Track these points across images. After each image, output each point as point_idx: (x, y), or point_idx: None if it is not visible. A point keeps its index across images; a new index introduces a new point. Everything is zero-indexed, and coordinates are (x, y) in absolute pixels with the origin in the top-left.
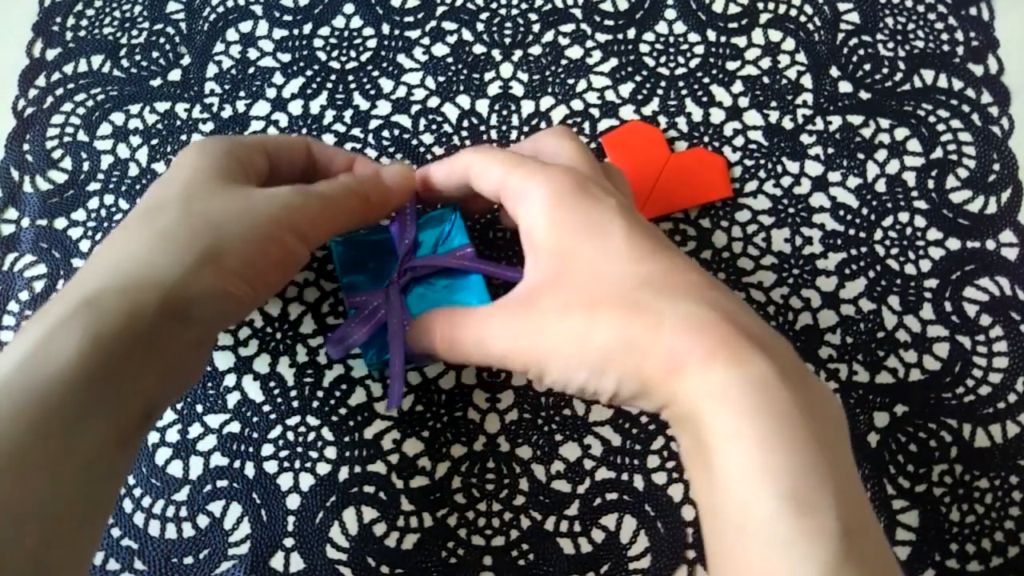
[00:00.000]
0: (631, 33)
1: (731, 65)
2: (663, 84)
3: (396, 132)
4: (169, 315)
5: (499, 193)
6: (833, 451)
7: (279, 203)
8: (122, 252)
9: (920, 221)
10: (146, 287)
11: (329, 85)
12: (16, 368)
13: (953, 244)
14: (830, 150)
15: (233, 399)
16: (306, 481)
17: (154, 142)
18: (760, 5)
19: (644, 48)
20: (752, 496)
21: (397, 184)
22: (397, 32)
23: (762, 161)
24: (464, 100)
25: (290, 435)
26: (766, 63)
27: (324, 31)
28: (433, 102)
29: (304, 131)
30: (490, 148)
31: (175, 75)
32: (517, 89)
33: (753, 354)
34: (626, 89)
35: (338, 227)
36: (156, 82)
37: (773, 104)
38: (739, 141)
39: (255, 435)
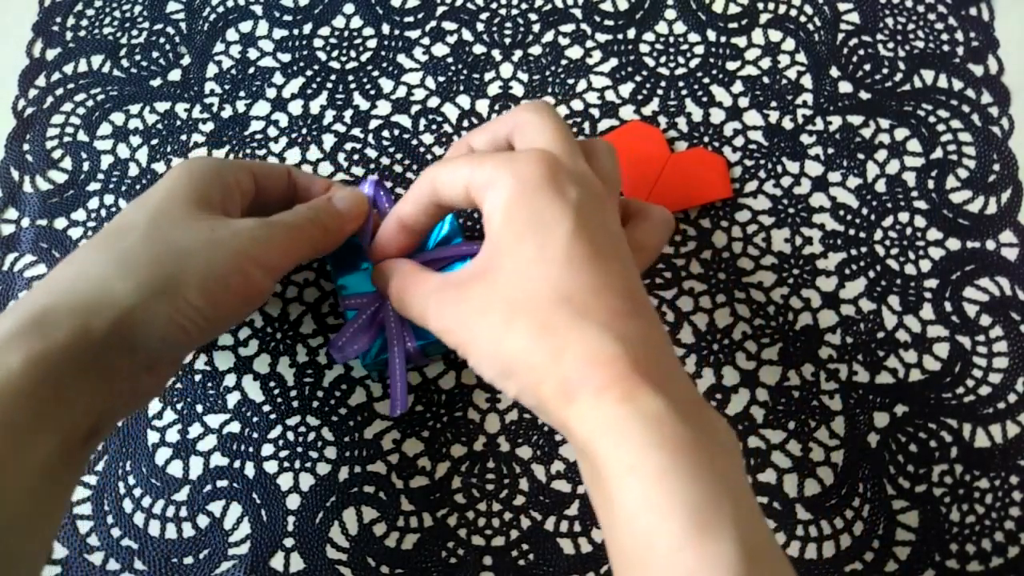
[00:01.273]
0: (631, 33)
1: (731, 65)
2: (663, 84)
3: (396, 132)
4: (118, 340)
5: (468, 194)
6: (729, 480)
7: (245, 237)
8: (79, 271)
9: (920, 221)
10: (97, 309)
11: (329, 85)
12: None
13: (953, 244)
14: (830, 150)
15: (233, 399)
16: (306, 481)
17: (154, 142)
18: (760, 5)
19: (644, 48)
20: (653, 528)
21: (348, 210)
22: (397, 32)
23: (762, 161)
24: (464, 100)
25: (290, 435)
26: (766, 63)
27: (324, 31)
28: (433, 102)
29: (304, 131)
30: (453, 152)
31: (175, 75)
32: (517, 89)
33: (646, 390)
34: (626, 89)
35: (300, 258)
36: (156, 82)
37: (773, 104)
38: (739, 141)
39: (255, 435)
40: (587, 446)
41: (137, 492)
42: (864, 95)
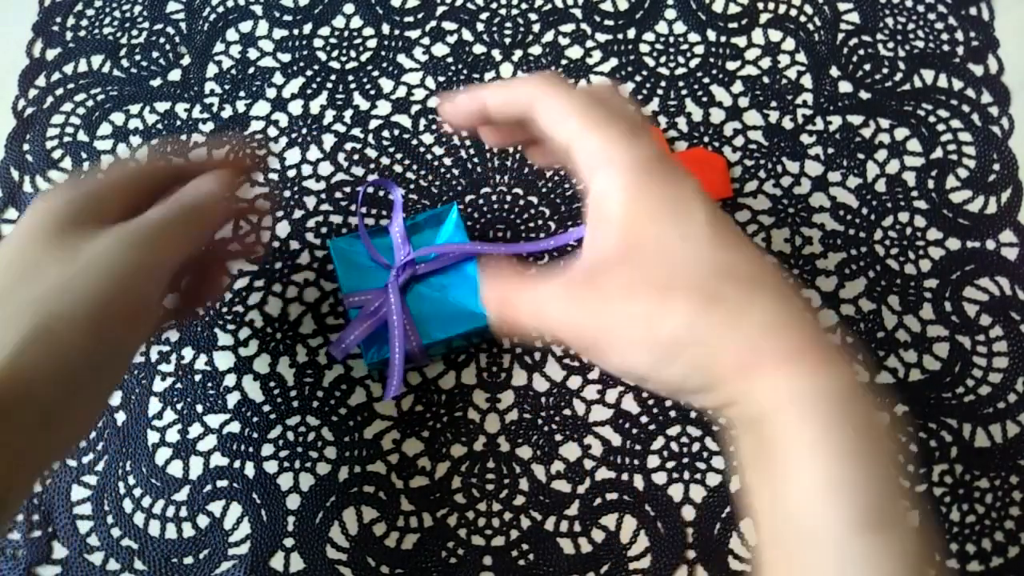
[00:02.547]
0: (631, 33)
1: (731, 65)
2: (663, 84)
3: (396, 132)
4: (1, 408)
5: (569, 147)
6: (895, 465)
7: (112, 248)
8: None
9: (920, 221)
10: None
11: (329, 85)
12: None
13: (953, 244)
14: (830, 150)
15: (233, 399)
16: (306, 481)
17: (154, 142)
18: (760, 5)
19: (644, 48)
20: (827, 510)
21: (216, 185)
22: (397, 32)
23: (762, 161)
24: None
25: (290, 435)
26: (766, 63)
27: (324, 31)
28: (433, 102)
29: (304, 131)
30: (559, 82)
31: (175, 75)
32: None
33: (835, 363)
34: (626, 89)
35: (184, 251)
36: (156, 82)
37: (773, 104)
38: (739, 141)
39: (255, 435)
40: (762, 418)
41: (137, 492)
42: (864, 95)
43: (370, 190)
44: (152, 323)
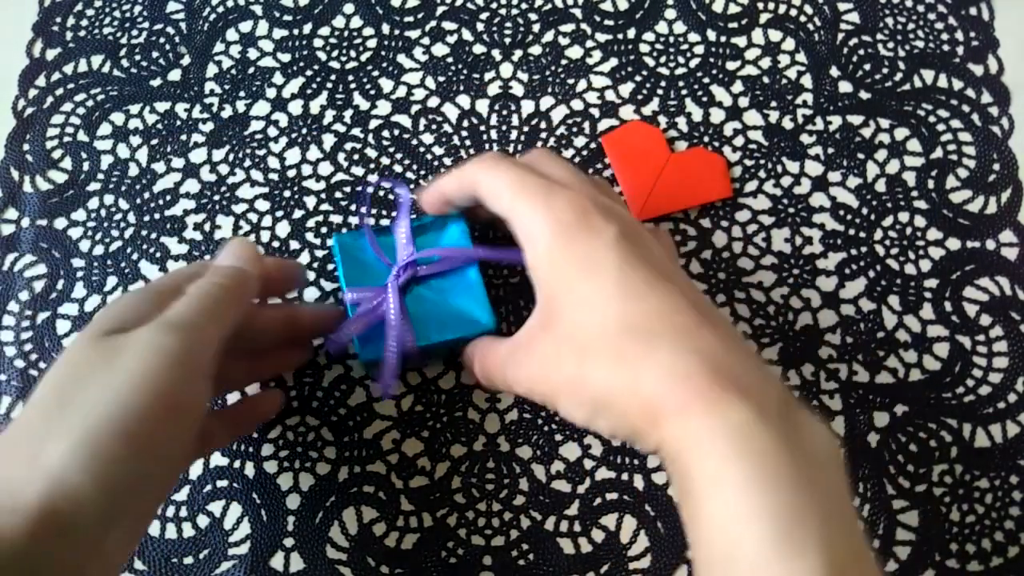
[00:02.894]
0: (631, 33)
1: (731, 65)
2: (663, 84)
3: (396, 132)
4: (49, 534)
5: (507, 218)
6: (819, 490)
7: (145, 352)
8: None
9: (920, 221)
10: (14, 509)
11: (329, 85)
12: None
13: (953, 244)
14: (830, 150)
15: (233, 399)
16: (306, 481)
17: (154, 142)
18: (760, 5)
19: (644, 48)
20: (737, 541)
21: (238, 259)
22: (397, 32)
23: (762, 161)
24: (464, 100)
25: (290, 435)
26: (766, 63)
27: (324, 31)
28: (433, 102)
29: (304, 131)
30: (496, 162)
31: (175, 75)
32: (517, 89)
33: (730, 401)
34: (626, 89)
35: (217, 338)
36: (156, 82)
37: (773, 104)
38: (739, 141)
39: (255, 435)
40: (676, 462)
41: None
42: (864, 95)
43: (370, 190)
44: (196, 419)
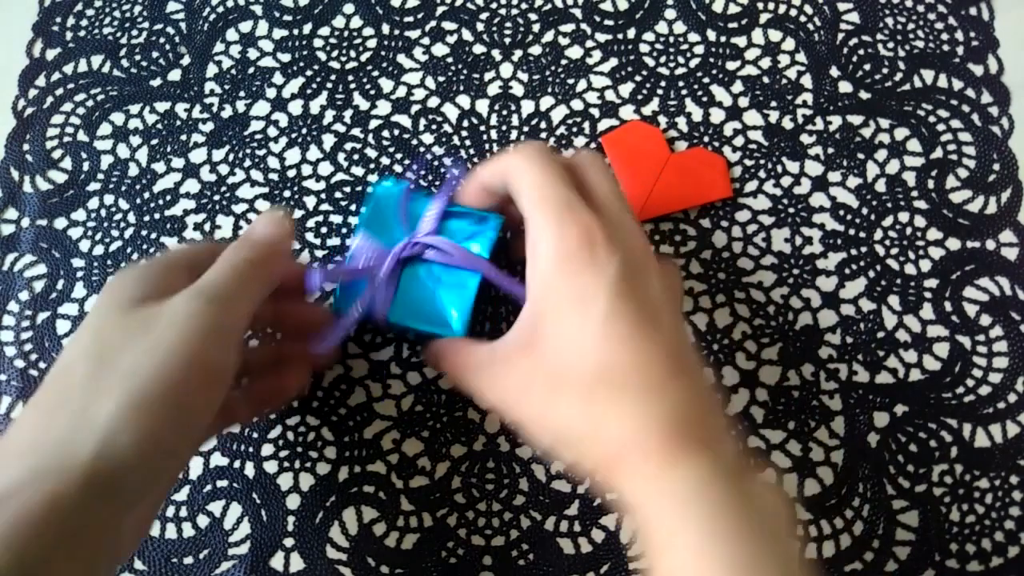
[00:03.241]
0: (631, 33)
1: (731, 65)
2: (663, 84)
3: (396, 132)
4: (96, 496)
5: (524, 218)
6: (775, 545)
7: (182, 318)
8: (38, 429)
9: (920, 221)
10: (64, 472)
11: (329, 85)
12: None
13: (953, 244)
14: (830, 150)
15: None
16: (306, 481)
17: (154, 142)
18: (760, 5)
19: (644, 48)
20: None
21: (270, 228)
22: (397, 32)
23: (762, 161)
24: (464, 100)
25: (290, 435)
26: (766, 63)
27: (324, 31)
28: (433, 102)
29: (304, 131)
30: (534, 157)
31: (175, 75)
32: (517, 89)
33: (687, 459)
34: (626, 89)
35: (248, 308)
36: (156, 82)
37: (773, 104)
38: (739, 141)
39: (255, 435)
40: (635, 513)
41: None
42: (864, 95)
43: (429, 157)
44: (225, 388)
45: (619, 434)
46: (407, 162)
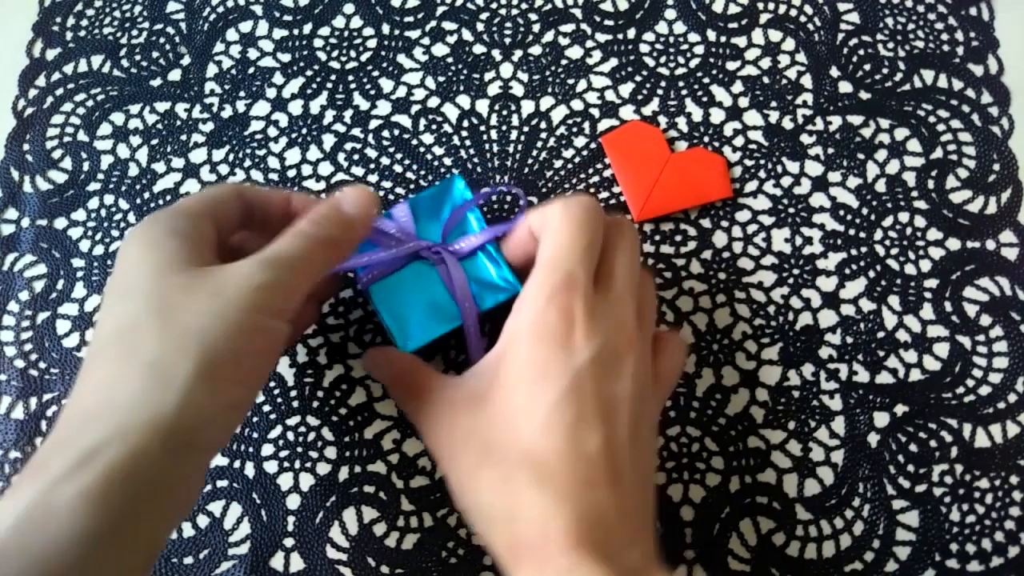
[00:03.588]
0: (631, 33)
1: (731, 65)
2: (663, 84)
3: (396, 132)
4: (175, 451)
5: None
6: None
7: (251, 286)
8: (113, 390)
9: (920, 221)
10: (147, 429)
11: (329, 85)
12: (13, 530)
13: (953, 244)
14: (830, 150)
15: None
16: (306, 481)
17: (154, 142)
18: (760, 5)
19: (644, 48)
20: None
21: (360, 211)
22: (397, 32)
23: (762, 161)
24: (464, 100)
25: (290, 435)
26: (766, 63)
27: (324, 31)
28: (433, 102)
29: (304, 131)
30: (573, 213)
31: (175, 75)
32: (517, 89)
33: (587, 566)
34: (626, 89)
35: (311, 284)
36: (156, 82)
37: (773, 104)
38: (739, 141)
39: (255, 435)
40: None
41: None
42: (864, 95)
43: (503, 190)
44: (279, 356)
45: (527, 527)
46: (487, 189)
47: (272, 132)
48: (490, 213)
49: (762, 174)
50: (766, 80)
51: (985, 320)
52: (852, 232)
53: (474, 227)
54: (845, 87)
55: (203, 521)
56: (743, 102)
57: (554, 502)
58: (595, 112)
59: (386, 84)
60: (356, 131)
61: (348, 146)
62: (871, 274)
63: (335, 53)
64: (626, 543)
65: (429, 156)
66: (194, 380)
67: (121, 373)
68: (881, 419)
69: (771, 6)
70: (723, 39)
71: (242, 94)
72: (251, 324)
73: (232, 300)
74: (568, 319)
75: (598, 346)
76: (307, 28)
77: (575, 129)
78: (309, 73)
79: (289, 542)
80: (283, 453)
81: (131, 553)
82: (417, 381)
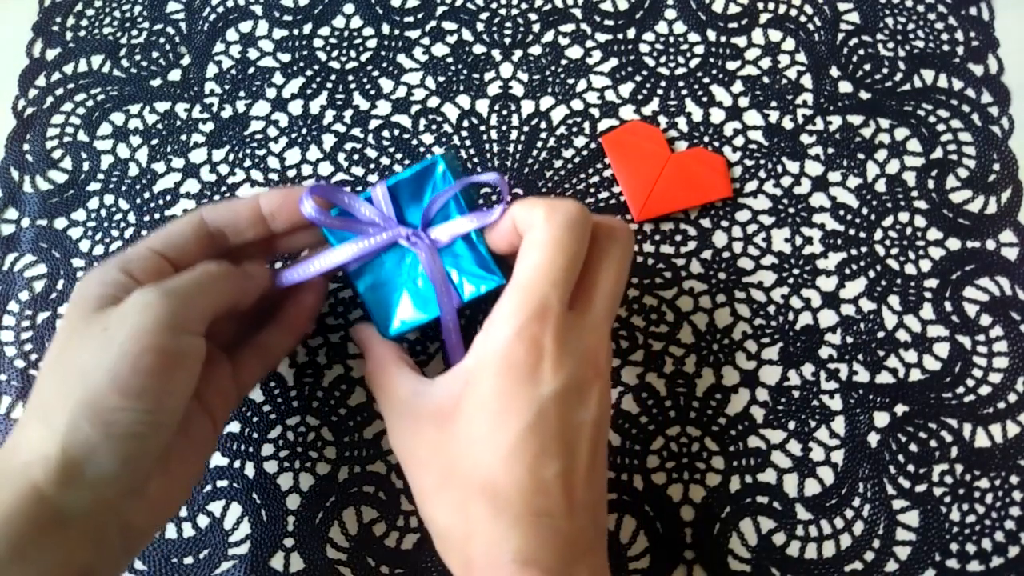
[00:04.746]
0: (631, 33)
1: (731, 65)
2: (663, 84)
3: (396, 132)
4: (66, 484)
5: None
6: None
7: (134, 311)
8: (19, 429)
9: (920, 221)
10: (35, 463)
11: (329, 85)
12: None
13: (953, 244)
14: (830, 150)
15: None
16: (306, 481)
17: (154, 142)
18: (760, 5)
19: (644, 48)
20: None
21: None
22: (397, 32)
23: (762, 161)
24: (464, 100)
25: (290, 435)
26: (766, 63)
27: (324, 31)
28: (433, 102)
29: (304, 131)
30: (561, 225)
31: (175, 75)
32: (517, 89)
33: None
34: (626, 89)
35: (220, 303)
36: (156, 82)
37: (773, 104)
38: (739, 141)
39: (255, 435)
40: None
41: None
42: (864, 95)
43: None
44: (191, 371)
45: (480, 549)
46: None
47: (272, 132)
48: (478, 197)
49: (762, 174)
50: (766, 80)
51: (985, 320)
52: (852, 232)
53: (456, 213)
54: (845, 87)
55: (203, 521)
56: (743, 102)
57: (507, 528)
58: (595, 112)
59: (386, 84)
60: (356, 131)
61: (348, 146)
62: (871, 274)
63: (335, 53)
64: (575, 561)
65: (429, 156)
66: (75, 412)
67: (24, 425)
68: (881, 419)
69: (771, 6)
70: (723, 39)
71: (242, 94)
72: (135, 347)
73: (116, 329)
74: (537, 351)
75: (565, 377)
76: (307, 28)
77: (575, 129)
78: (309, 73)
79: (289, 542)
80: (283, 453)
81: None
82: (388, 381)
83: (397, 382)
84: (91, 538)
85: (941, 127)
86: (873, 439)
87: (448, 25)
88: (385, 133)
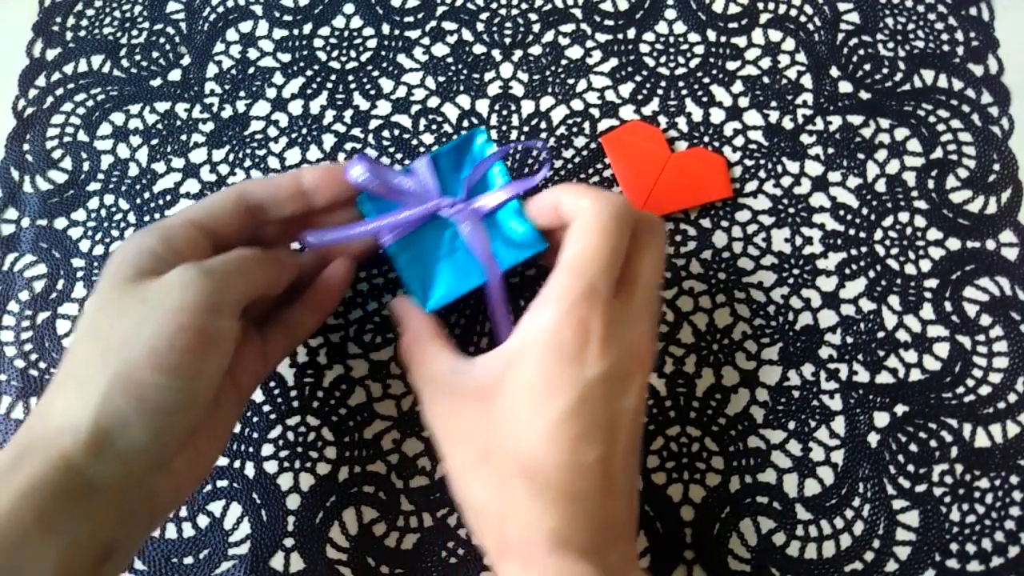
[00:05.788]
0: (631, 33)
1: (731, 65)
2: (663, 84)
3: (396, 132)
4: (95, 453)
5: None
6: None
7: (175, 289)
8: (51, 396)
9: (920, 221)
10: (66, 432)
11: (329, 85)
12: None
13: (953, 244)
14: (830, 150)
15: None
16: (306, 481)
17: (154, 142)
18: (760, 5)
19: (644, 48)
20: None
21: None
22: (397, 32)
23: (762, 161)
24: (464, 100)
25: (290, 435)
26: (766, 63)
27: (324, 31)
28: (433, 102)
29: (304, 131)
30: (609, 215)
31: (175, 75)
32: (517, 89)
33: (571, 562)
34: (626, 89)
35: (255, 287)
36: (156, 82)
37: (773, 104)
38: (739, 141)
39: (255, 435)
40: None
41: None
42: (864, 95)
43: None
44: (225, 351)
45: (516, 528)
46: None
47: (272, 132)
48: (516, 164)
49: (762, 174)
50: (766, 80)
51: (985, 320)
52: (852, 232)
53: (497, 182)
54: (845, 87)
55: (203, 521)
56: (743, 102)
57: (545, 508)
58: (595, 112)
59: (386, 84)
60: (356, 131)
61: (348, 146)
62: (871, 274)
63: (335, 53)
64: (609, 546)
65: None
66: (110, 384)
67: (54, 394)
68: (881, 419)
69: (771, 6)
70: (723, 39)
71: (242, 94)
72: (174, 324)
73: (154, 304)
74: (584, 333)
75: (611, 363)
76: (307, 28)
77: (575, 129)
78: (309, 73)
79: (289, 542)
80: (283, 453)
81: (69, 548)
82: (425, 356)
83: (434, 357)
84: (117, 510)
85: (941, 127)
86: (873, 439)
87: (448, 25)
88: (385, 133)
